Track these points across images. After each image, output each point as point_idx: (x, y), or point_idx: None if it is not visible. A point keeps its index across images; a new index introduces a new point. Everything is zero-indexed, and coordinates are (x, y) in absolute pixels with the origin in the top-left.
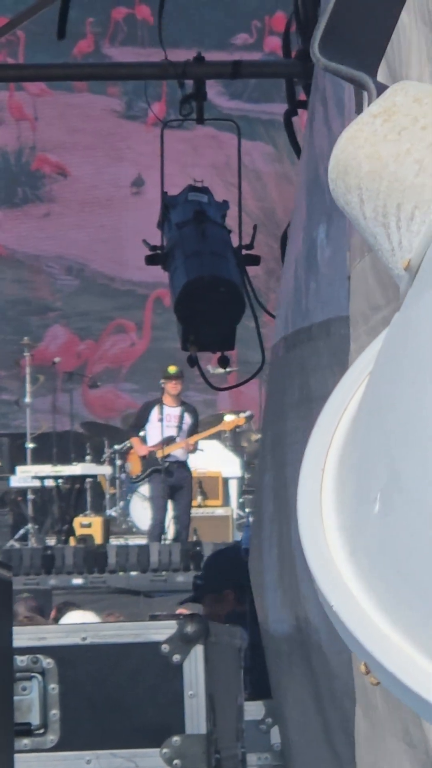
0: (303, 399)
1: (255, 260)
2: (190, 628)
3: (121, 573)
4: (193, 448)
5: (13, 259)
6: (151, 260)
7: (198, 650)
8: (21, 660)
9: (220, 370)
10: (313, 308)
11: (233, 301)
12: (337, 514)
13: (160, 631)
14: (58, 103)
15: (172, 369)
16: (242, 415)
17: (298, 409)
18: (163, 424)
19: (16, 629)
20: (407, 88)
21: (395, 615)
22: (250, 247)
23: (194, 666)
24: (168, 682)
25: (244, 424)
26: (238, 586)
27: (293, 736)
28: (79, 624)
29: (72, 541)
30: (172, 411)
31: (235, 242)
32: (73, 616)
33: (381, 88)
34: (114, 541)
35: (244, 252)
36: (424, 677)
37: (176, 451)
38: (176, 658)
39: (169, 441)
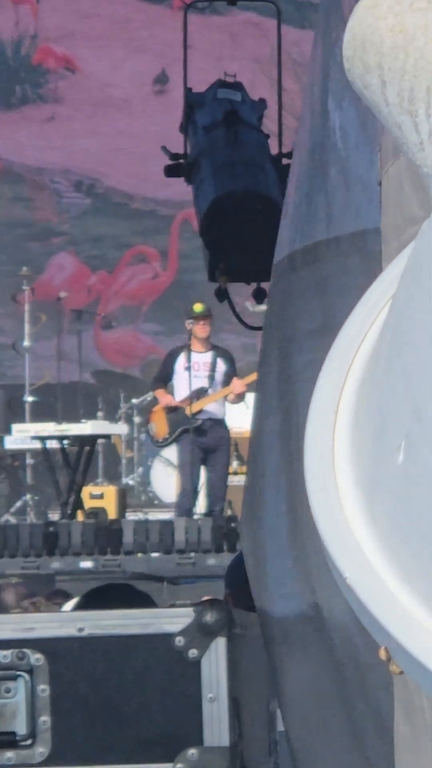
0: (323, 327)
1: None
2: (209, 617)
3: (139, 554)
4: (238, 398)
5: (11, 173)
6: (171, 171)
7: (220, 644)
8: (4, 655)
9: (261, 308)
10: (339, 216)
11: (271, 221)
12: (353, 465)
13: (174, 620)
14: None
15: (198, 307)
16: None
17: (316, 338)
18: (190, 373)
19: None
20: None
21: (423, 589)
22: (292, 155)
23: (215, 663)
24: (183, 682)
25: None
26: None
27: (307, 738)
28: (75, 612)
29: (80, 516)
30: (201, 357)
31: (274, 149)
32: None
33: None
34: (131, 516)
35: (285, 162)
36: None
37: (210, 406)
38: (193, 653)
39: (199, 394)
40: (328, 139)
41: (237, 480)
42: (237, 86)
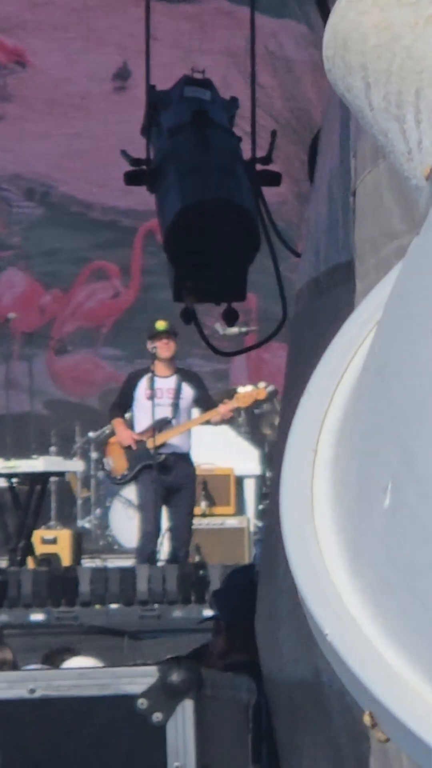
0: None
1: (274, 179)
2: (175, 677)
3: (97, 606)
4: (222, 419)
5: None
6: (132, 178)
7: (187, 707)
8: None
9: (233, 330)
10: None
11: (244, 233)
12: (334, 509)
13: (136, 680)
14: None
15: (160, 324)
16: (262, 386)
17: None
18: (154, 402)
19: None
20: None
21: (412, 648)
22: (267, 160)
23: (182, 728)
24: (146, 749)
25: (266, 402)
26: (246, 623)
27: None
28: (26, 671)
29: (30, 563)
30: (164, 383)
31: (247, 153)
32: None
33: None
34: (88, 563)
35: (259, 167)
36: None
37: (174, 439)
38: (157, 717)
39: (162, 425)
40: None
41: (206, 523)
42: (206, 83)
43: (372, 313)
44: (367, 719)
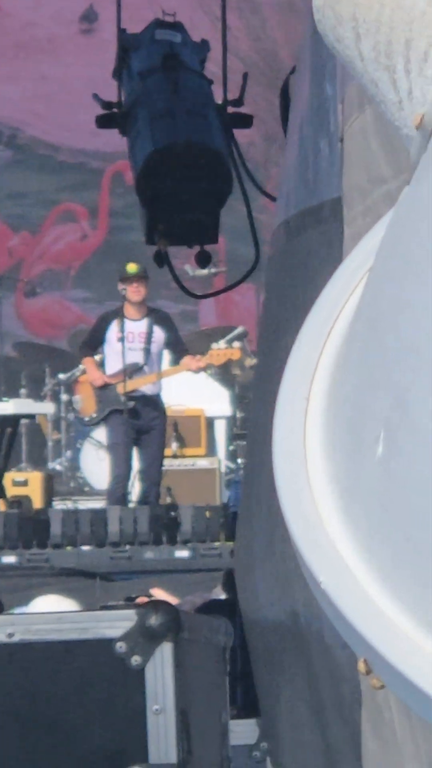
0: (306, 306)
1: (246, 121)
2: (154, 620)
3: (69, 548)
4: (199, 368)
5: None
6: (104, 121)
7: (166, 650)
8: None
9: (202, 272)
10: (324, 181)
11: (217, 176)
12: (327, 458)
13: (115, 623)
14: None
15: (131, 267)
16: (237, 346)
17: (301, 320)
18: (124, 345)
19: None
20: None
21: (406, 594)
22: (239, 103)
23: (161, 671)
24: (125, 693)
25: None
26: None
27: (286, 760)
28: (4, 615)
29: (1, 505)
30: (135, 326)
31: (218, 97)
32: (41, 604)
33: None
34: (59, 505)
35: (230, 110)
36: None
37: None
38: (136, 660)
39: (134, 370)
40: (325, 112)
41: (177, 464)
42: (177, 26)
43: (363, 261)
44: (361, 666)
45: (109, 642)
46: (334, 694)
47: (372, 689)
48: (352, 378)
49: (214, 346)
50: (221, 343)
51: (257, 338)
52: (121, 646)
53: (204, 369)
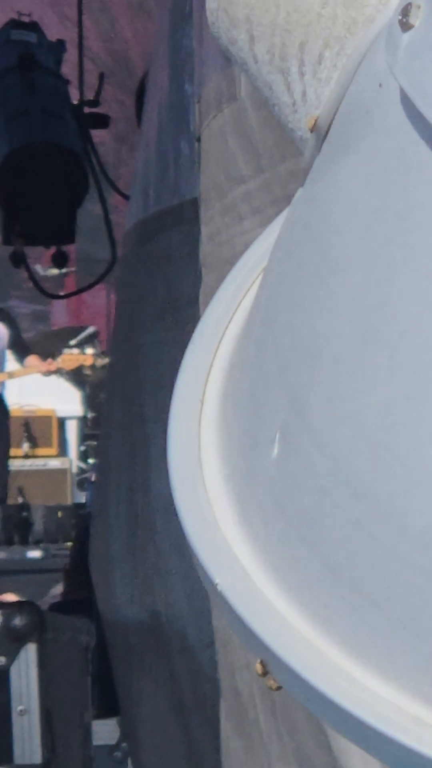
0: (168, 305)
1: (102, 121)
2: (18, 621)
3: None
4: (49, 372)
5: None
6: None
7: (30, 650)
8: None
9: (54, 271)
10: (185, 181)
11: (73, 176)
12: (222, 459)
13: None
14: None
15: None
16: (90, 352)
17: (163, 318)
18: None
19: None
20: None
21: (302, 597)
22: (95, 103)
23: (25, 672)
24: None
25: (88, 346)
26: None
27: (147, 760)
28: None
29: None
30: None
31: (74, 97)
32: None
33: None
34: None
35: (87, 110)
36: (342, 678)
37: None
38: (0, 660)
39: None
40: (184, 111)
41: (29, 464)
42: (33, 26)
43: (257, 262)
44: (258, 668)
45: None
46: (195, 694)
47: (241, 688)
48: (248, 379)
49: (66, 351)
50: (73, 349)
51: (110, 337)
52: None
53: (54, 372)
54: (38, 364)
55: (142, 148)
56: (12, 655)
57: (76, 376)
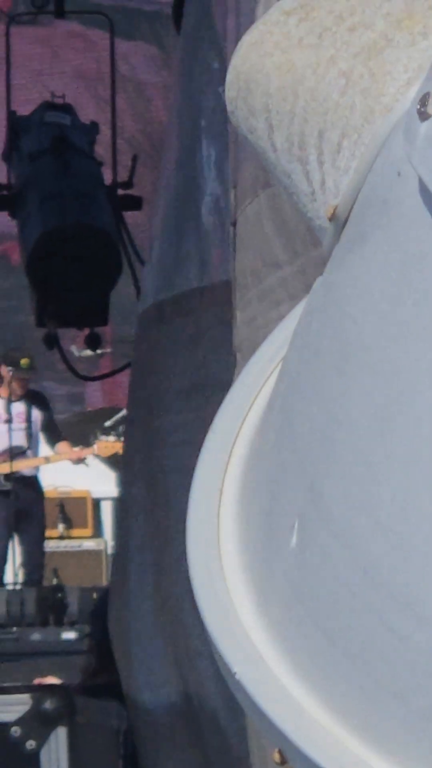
0: (196, 385)
1: (135, 203)
2: (49, 704)
3: None
4: (79, 459)
5: None
6: None
7: (60, 734)
8: None
9: (88, 353)
10: (214, 261)
11: (106, 258)
12: (241, 548)
13: (9, 708)
14: None
15: (25, 362)
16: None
17: (188, 399)
18: (11, 426)
19: None
20: None
21: (320, 687)
22: (128, 185)
23: (55, 755)
24: None
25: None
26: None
27: None
28: None
29: None
30: (14, 407)
31: (108, 179)
32: None
33: None
34: None
35: (120, 192)
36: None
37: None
38: (31, 744)
39: (14, 453)
40: (200, 175)
41: (64, 545)
42: (66, 108)
43: (277, 351)
44: (276, 756)
45: (4, 726)
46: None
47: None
48: (266, 467)
49: (102, 436)
50: (110, 435)
51: (128, 414)
52: (15, 731)
53: (83, 460)
54: (69, 451)
55: (156, 228)
56: (42, 739)
57: (111, 456)
